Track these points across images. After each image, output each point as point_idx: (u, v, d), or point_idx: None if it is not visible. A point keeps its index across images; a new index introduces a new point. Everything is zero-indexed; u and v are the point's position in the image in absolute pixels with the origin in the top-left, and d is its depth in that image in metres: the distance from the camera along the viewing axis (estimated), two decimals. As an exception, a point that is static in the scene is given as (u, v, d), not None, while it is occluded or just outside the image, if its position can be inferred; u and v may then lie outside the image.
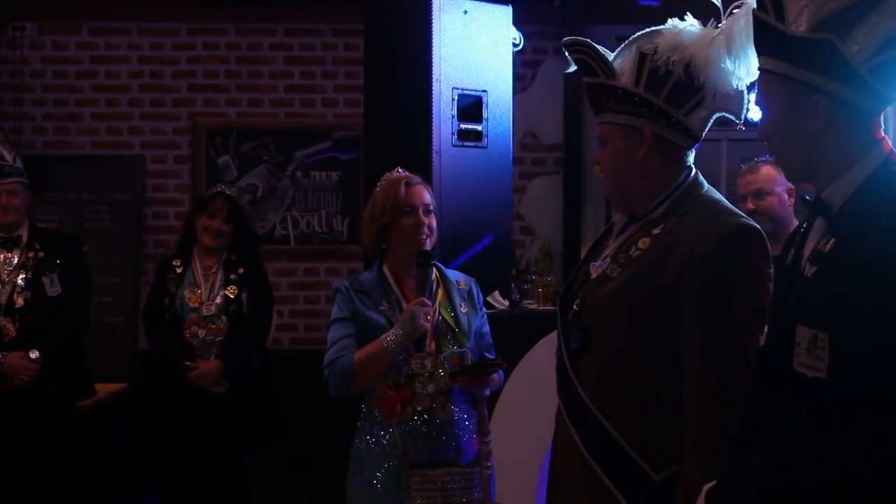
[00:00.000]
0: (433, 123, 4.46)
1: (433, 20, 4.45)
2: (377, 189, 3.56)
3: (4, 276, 5.04)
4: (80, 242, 5.44)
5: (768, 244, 2.51)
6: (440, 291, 3.53)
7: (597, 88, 2.67)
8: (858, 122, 2.04)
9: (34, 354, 4.97)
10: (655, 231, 2.57)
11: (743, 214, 2.57)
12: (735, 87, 2.60)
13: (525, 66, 6.58)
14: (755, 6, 2.11)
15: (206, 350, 5.00)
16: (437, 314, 3.47)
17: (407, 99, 4.57)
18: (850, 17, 1.98)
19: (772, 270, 2.47)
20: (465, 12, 4.56)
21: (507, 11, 4.75)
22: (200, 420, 5.01)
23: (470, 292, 3.63)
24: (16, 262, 5.07)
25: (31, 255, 5.09)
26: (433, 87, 4.45)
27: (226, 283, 5.06)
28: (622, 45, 2.68)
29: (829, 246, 1.99)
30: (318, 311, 6.99)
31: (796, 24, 2.02)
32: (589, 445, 2.54)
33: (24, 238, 5.12)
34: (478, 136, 4.63)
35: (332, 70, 7.00)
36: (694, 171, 2.67)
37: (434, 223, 3.52)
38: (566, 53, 2.76)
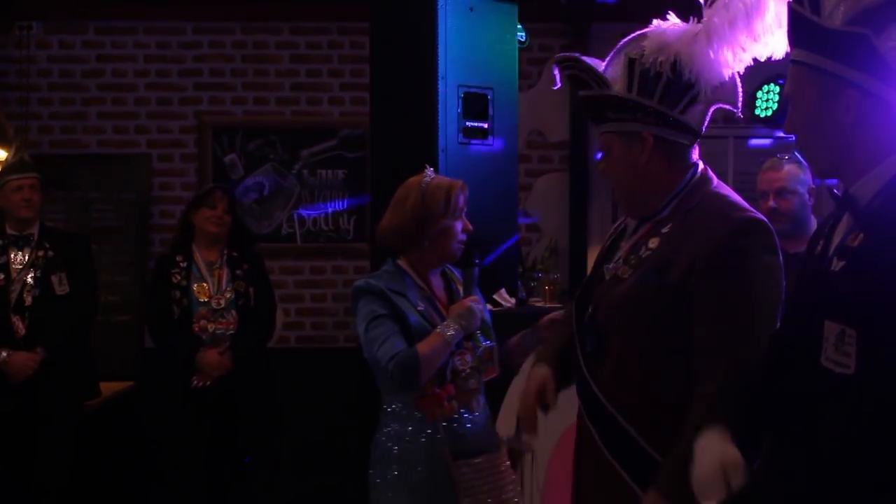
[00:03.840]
0: (439, 121, 4.46)
1: (439, 18, 4.45)
2: (426, 188, 3.48)
3: (14, 274, 5.07)
4: (88, 242, 5.47)
5: (775, 237, 2.53)
6: (460, 289, 3.54)
7: (592, 100, 2.68)
8: (889, 118, 2.02)
9: (38, 352, 4.98)
10: (664, 230, 2.59)
11: (750, 208, 2.57)
12: (725, 76, 2.60)
13: (531, 63, 6.58)
14: None
15: (214, 345, 4.99)
16: None
17: (413, 97, 4.57)
18: (885, 13, 1.98)
19: (780, 262, 2.51)
20: (471, 10, 4.56)
21: (512, 9, 4.75)
22: (205, 418, 5.00)
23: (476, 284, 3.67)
24: (26, 260, 5.10)
25: (40, 253, 5.12)
26: (439, 85, 4.45)
27: (234, 279, 5.09)
28: (611, 54, 2.69)
29: (857, 241, 1.98)
30: (325, 309, 7.00)
31: (832, 17, 2.01)
32: (609, 444, 2.55)
33: (35, 237, 5.15)
34: (484, 133, 4.63)
35: (338, 68, 7.01)
36: (701, 167, 2.67)
37: None
38: (557, 71, 2.77)
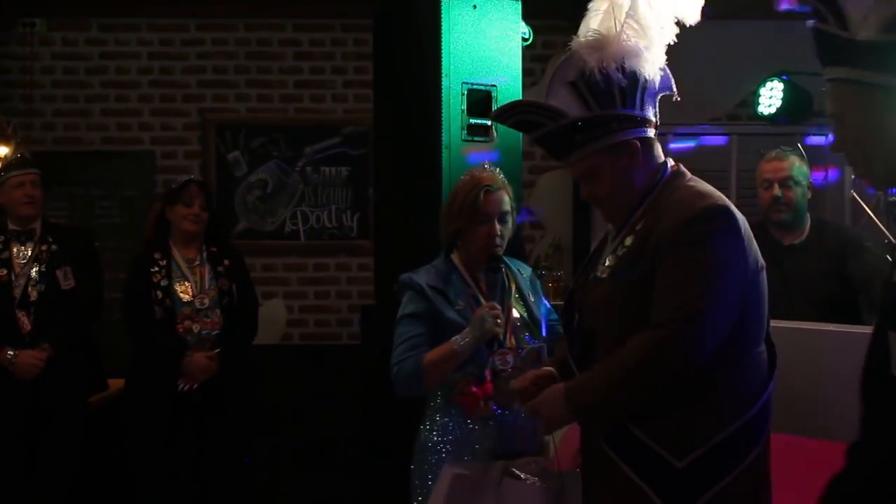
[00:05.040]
0: (442, 118, 4.45)
1: (442, 14, 4.43)
2: (459, 185, 3.49)
3: (18, 269, 5.06)
4: (91, 236, 5.44)
5: (737, 221, 2.51)
6: (512, 287, 3.51)
7: (555, 134, 2.64)
8: None
9: (44, 349, 4.97)
10: (638, 227, 2.60)
11: (716, 196, 2.56)
12: (659, 62, 2.63)
13: (534, 60, 6.57)
14: (814, 19, 2.08)
15: (200, 346, 4.83)
16: (512, 311, 3.45)
17: (416, 94, 4.55)
18: None
19: (742, 245, 2.49)
20: (475, 7, 4.55)
21: (516, 6, 4.74)
22: (190, 419, 4.85)
23: (532, 280, 3.63)
24: (29, 255, 5.09)
25: (43, 248, 5.09)
26: (442, 82, 4.43)
27: (216, 276, 4.92)
28: (548, 87, 2.66)
29: None
30: (328, 306, 7.01)
31: (863, 30, 1.98)
32: (613, 444, 2.55)
33: (38, 232, 5.13)
34: (487, 130, 4.62)
35: (342, 65, 7.01)
36: (671, 164, 2.68)
37: (508, 230, 3.49)
38: (503, 124, 2.77)
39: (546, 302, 3.66)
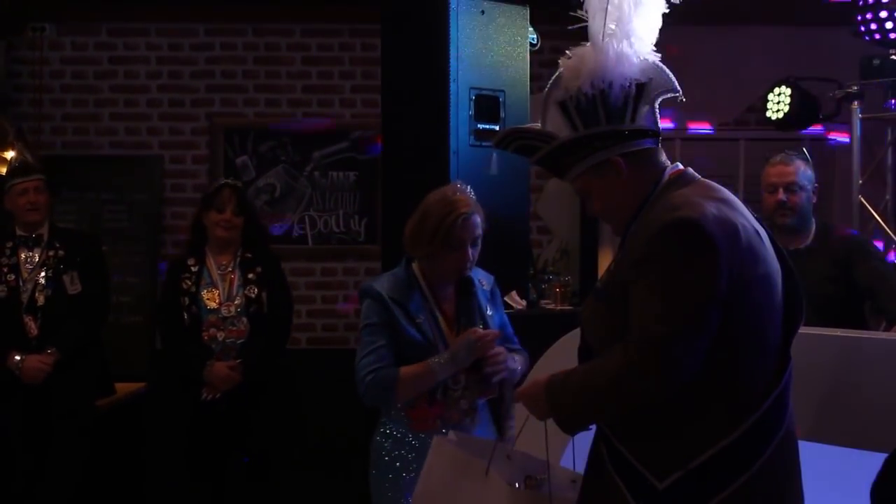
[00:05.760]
0: (450, 123, 4.46)
1: (450, 20, 4.45)
2: (431, 208, 3.40)
3: (26, 274, 5.07)
4: (99, 241, 5.45)
5: (704, 236, 2.36)
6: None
7: (550, 157, 2.64)
8: None
9: (51, 353, 4.98)
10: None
11: (687, 207, 2.42)
12: (648, 67, 2.56)
13: (542, 65, 6.56)
14: None
15: (225, 354, 4.82)
16: None
17: (424, 99, 4.57)
18: None
19: (710, 259, 2.35)
20: (483, 12, 4.56)
21: (524, 11, 4.75)
22: (214, 427, 4.86)
23: (492, 291, 3.59)
24: (37, 260, 5.10)
25: (51, 253, 5.10)
26: (450, 88, 4.45)
27: (245, 283, 4.90)
28: (543, 108, 2.63)
29: None
30: (336, 310, 7.01)
31: None
32: (612, 459, 2.54)
33: (45, 237, 5.14)
34: (495, 135, 4.63)
35: (350, 70, 7.02)
36: (667, 173, 2.59)
37: (478, 251, 3.43)
38: (505, 151, 2.75)
39: (502, 311, 3.63)
